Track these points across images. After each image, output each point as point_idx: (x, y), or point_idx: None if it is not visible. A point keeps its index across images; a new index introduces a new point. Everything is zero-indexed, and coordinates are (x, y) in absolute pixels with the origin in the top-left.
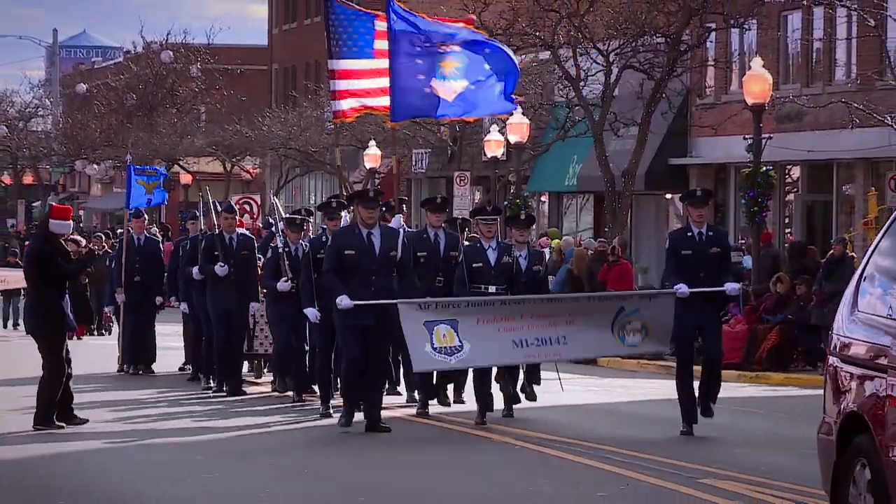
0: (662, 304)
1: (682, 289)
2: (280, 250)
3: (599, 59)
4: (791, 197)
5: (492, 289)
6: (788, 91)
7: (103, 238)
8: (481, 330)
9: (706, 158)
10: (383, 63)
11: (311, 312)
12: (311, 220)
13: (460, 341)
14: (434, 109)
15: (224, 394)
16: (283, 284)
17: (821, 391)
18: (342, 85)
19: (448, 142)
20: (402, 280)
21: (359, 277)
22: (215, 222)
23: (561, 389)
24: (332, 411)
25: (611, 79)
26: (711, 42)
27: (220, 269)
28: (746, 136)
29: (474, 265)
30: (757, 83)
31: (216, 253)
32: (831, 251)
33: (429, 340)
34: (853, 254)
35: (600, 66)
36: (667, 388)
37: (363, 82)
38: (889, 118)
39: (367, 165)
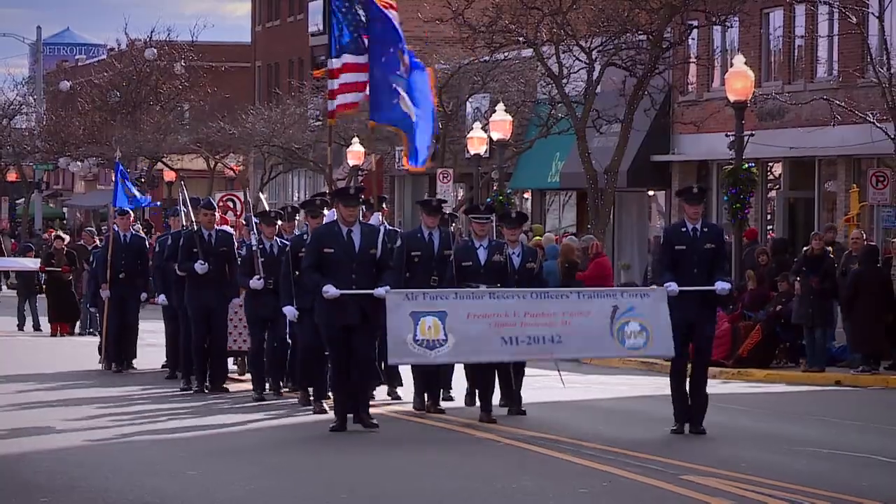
0: (656, 302)
1: (672, 287)
2: (254, 247)
3: (582, 56)
4: (773, 194)
5: (482, 287)
6: (770, 88)
7: (94, 233)
8: (470, 324)
9: (688, 155)
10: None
11: (290, 311)
12: (298, 217)
13: (445, 335)
14: (408, 121)
15: (206, 391)
16: (256, 282)
17: (802, 388)
18: (336, 83)
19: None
20: (382, 279)
21: (338, 275)
22: (194, 219)
23: (563, 386)
24: (327, 407)
25: (593, 76)
26: (693, 39)
27: (200, 266)
28: (728, 133)
29: (464, 264)
30: (739, 80)
31: (195, 250)
32: (806, 247)
33: (412, 332)
34: (830, 249)
35: (583, 64)
36: (649, 385)
37: (353, 76)
38: (871, 115)
39: (351, 162)
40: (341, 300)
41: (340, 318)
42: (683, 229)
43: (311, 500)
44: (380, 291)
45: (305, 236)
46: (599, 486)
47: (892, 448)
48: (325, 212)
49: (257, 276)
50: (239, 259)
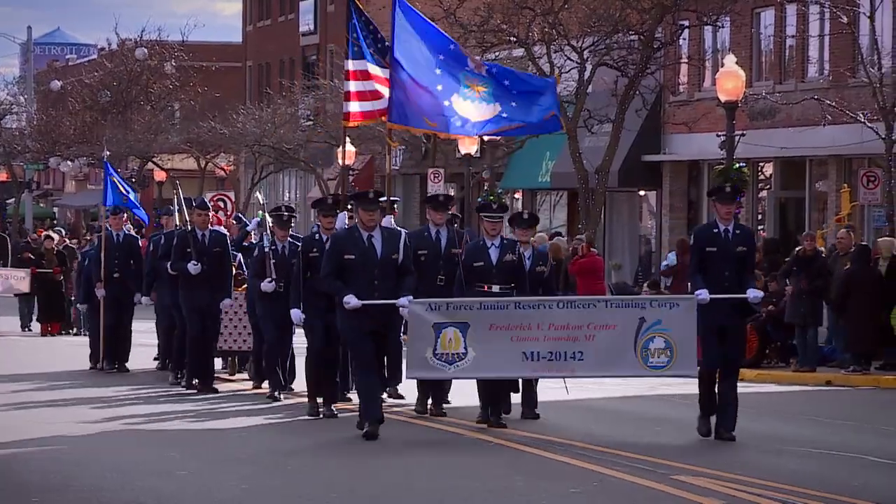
0: (684, 314)
1: (703, 295)
2: (266, 249)
3: (573, 56)
4: (764, 194)
5: (495, 288)
6: (761, 88)
7: (62, 232)
8: (492, 337)
9: (679, 155)
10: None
11: (296, 314)
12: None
13: (465, 349)
14: (447, 126)
15: (195, 390)
16: (268, 285)
17: (793, 388)
18: (353, 86)
19: (422, 139)
20: (403, 284)
21: (360, 282)
22: (187, 219)
23: (567, 392)
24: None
25: (585, 76)
26: (685, 39)
27: (194, 267)
28: (719, 133)
29: (475, 264)
30: (730, 80)
31: (188, 250)
32: (799, 247)
33: (432, 345)
34: (823, 249)
35: (574, 63)
36: (643, 385)
37: (376, 85)
38: (861, 115)
39: (342, 162)
40: (364, 307)
41: (366, 324)
42: (715, 230)
43: (310, 499)
44: (402, 301)
45: (317, 236)
46: (591, 486)
47: (885, 448)
48: (339, 212)
49: (269, 279)
50: (247, 260)
